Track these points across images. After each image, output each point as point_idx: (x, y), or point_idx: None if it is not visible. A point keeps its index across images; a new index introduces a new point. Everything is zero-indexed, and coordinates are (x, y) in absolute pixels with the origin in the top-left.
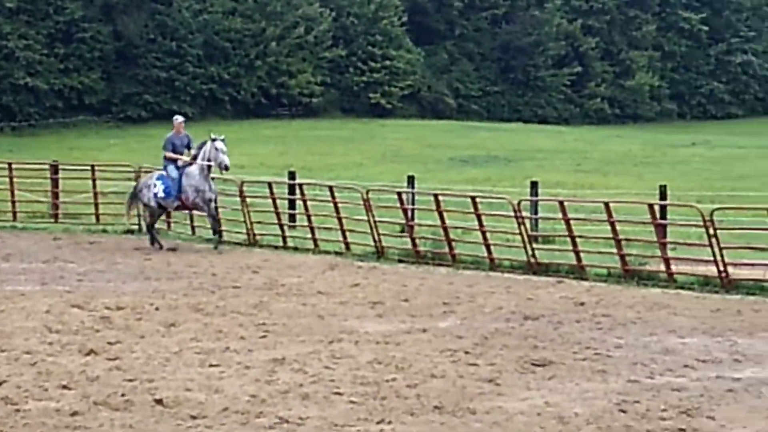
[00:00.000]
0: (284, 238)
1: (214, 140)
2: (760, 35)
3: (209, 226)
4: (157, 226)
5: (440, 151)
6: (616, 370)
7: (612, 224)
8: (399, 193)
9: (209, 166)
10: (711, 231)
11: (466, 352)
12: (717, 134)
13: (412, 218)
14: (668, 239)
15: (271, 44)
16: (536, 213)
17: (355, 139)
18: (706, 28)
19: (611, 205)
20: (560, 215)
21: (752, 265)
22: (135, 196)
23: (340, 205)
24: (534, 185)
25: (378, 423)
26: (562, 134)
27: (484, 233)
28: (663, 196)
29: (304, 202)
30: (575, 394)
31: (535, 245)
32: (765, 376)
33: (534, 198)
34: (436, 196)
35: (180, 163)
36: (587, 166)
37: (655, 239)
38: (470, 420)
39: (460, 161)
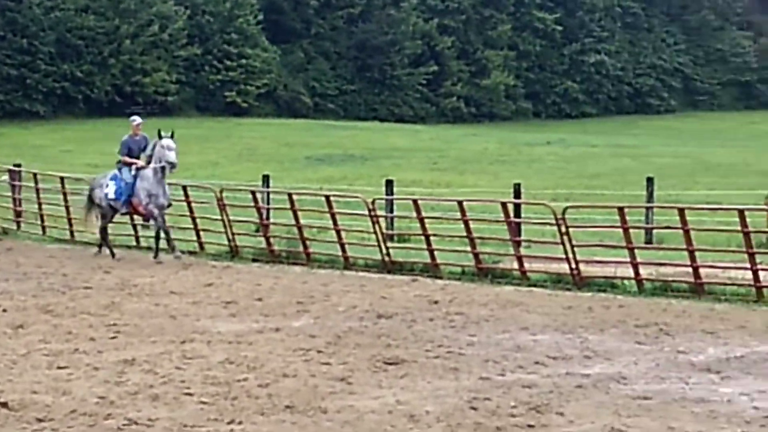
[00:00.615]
0: (137, 237)
1: (161, 138)
2: (612, 35)
3: (151, 234)
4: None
5: (297, 149)
6: (468, 368)
7: (466, 223)
8: (254, 192)
9: (163, 168)
10: (563, 229)
11: (319, 351)
12: (571, 133)
13: (267, 217)
14: (522, 237)
15: (125, 42)
16: (391, 212)
17: (210, 138)
18: (560, 28)
19: (466, 203)
20: (415, 214)
21: (604, 262)
22: (90, 198)
23: (194, 204)
24: (389, 184)
25: (228, 423)
26: (418, 133)
27: (338, 232)
28: (517, 194)
29: None
30: (427, 392)
31: (389, 244)
32: (614, 372)
33: (389, 197)
34: (290, 195)
35: (134, 168)
36: (443, 165)
37: (509, 237)
38: (321, 419)
39: (316, 160)
